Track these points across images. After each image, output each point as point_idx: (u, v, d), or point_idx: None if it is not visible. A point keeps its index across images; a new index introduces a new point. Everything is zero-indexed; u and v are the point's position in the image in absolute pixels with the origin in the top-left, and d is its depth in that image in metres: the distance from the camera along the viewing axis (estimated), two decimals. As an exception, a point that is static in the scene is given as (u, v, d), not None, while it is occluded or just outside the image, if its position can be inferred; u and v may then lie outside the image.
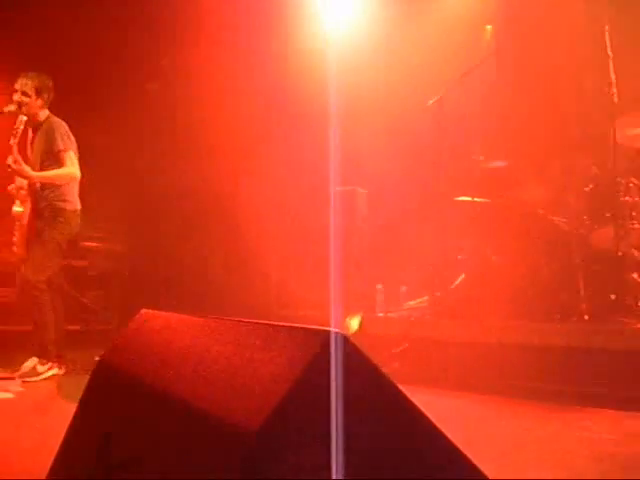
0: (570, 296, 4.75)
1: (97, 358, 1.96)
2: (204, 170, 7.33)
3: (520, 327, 4.59)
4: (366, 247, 6.32)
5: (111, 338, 1.98)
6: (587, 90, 5.31)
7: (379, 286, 5.81)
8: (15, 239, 5.14)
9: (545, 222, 5.12)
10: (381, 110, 6.60)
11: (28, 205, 5.11)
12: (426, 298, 5.65)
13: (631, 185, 4.89)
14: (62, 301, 5.19)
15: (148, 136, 7.65)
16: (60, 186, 5.11)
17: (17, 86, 5.11)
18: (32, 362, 4.90)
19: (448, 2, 6.69)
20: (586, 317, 4.60)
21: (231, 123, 7.20)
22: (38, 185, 5.10)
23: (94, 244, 7.46)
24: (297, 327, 1.16)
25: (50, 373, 4.92)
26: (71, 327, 5.48)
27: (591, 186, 5.06)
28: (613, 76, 4.74)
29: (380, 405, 1.12)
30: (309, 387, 1.03)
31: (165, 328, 1.69)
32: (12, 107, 5.05)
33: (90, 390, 1.87)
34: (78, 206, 5.23)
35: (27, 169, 4.96)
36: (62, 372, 4.99)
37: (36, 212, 5.10)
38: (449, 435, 1.22)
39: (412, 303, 5.84)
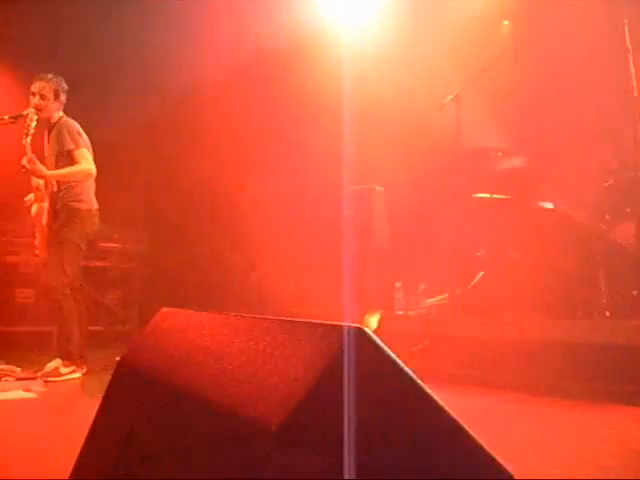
0: (591, 292, 4.71)
1: (118, 358, 1.97)
2: (223, 170, 7.35)
3: (540, 324, 4.57)
4: (385, 245, 6.31)
5: (132, 338, 1.98)
6: (606, 84, 5.26)
7: (398, 284, 5.80)
8: (37, 242, 5.16)
9: (565, 218, 5.09)
10: (398, 107, 6.58)
11: (46, 205, 5.13)
12: (445, 295, 5.62)
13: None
14: (84, 302, 5.21)
15: (168, 136, 7.68)
16: (75, 186, 5.11)
17: (34, 89, 5.12)
18: (55, 363, 4.93)
19: (465, -2, 6.65)
20: (607, 313, 4.56)
21: (249, 123, 7.22)
22: (55, 186, 5.12)
23: (114, 245, 7.51)
24: (318, 323, 1.16)
25: (73, 375, 4.96)
26: (92, 327, 5.51)
27: (611, 181, 5.01)
28: (633, 69, 4.69)
29: (402, 401, 1.11)
30: (331, 383, 1.03)
31: (185, 326, 1.70)
32: (31, 110, 5.07)
33: (112, 389, 1.88)
34: (94, 205, 5.22)
35: (42, 168, 4.98)
36: (84, 372, 5.02)
37: (53, 213, 5.12)
38: (471, 432, 1.21)
39: (431, 301, 5.82)
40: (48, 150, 5.19)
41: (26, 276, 6.86)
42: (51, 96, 5.13)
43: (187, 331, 1.66)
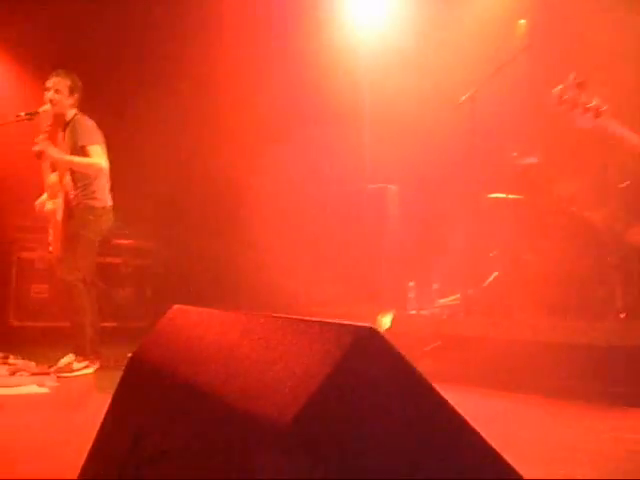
0: (606, 294, 4.68)
1: (130, 354, 1.98)
2: (237, 167, 7.37)
3: (554, 325, 4.54)
4: (398, 244, 6.30)
5: (144, 334, 1.99)
6: (623, 83, 5.22)
7: (411, 283, 5.79)
8: (51, 238, 5.19)
9: (580, 219, 5.06)
10: (413, 106, 6.56)
11: (60, 202, 5.15)
12: (458, 296, 5.61)
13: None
14: (97, 298, 5.24)
15: (180, 133, 7.70)
16: (90, 184, 5.14)
17: (49, 84, 5.15)
18: (69, 358, 4.97)
19: (481, -4, 6.63)
20: (622, 315, 4.53)
21: (265, 121, 7.23)
22: (69, 184, 5.14)
23: (127, 241, 7.55)
24: (329, 322, 1.15)
25: (86, 371, 4.99)
26: (105, 324, 5.55)
27: (627, 182, 4.97)
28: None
29: (412, 402, 1.10)
30: (342, 381, 1.03)
31: (196, 323, 1.70)
32: (47, 107, 5.11)
33: (122, 385, 1.88)
34: (109, 203, 5.26)
35: (55, 150, 5.01)
36: (96, 367, 5.05)
37: (68, 211, 5.15)
38: (481, 433, 1.21)
39: (444, 301, 5.80)
40: (62, 146, 5.21)
41: (41, 272, 6.91)
42: (66, 91, 5.17)
43: (198, 328, 1.66)
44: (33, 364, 4.56)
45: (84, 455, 1.94)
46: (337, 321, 1.15)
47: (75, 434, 2.96)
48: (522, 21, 6.54)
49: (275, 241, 7.09)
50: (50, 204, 5.15)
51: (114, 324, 6.88)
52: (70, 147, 5.12)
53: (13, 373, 4.35)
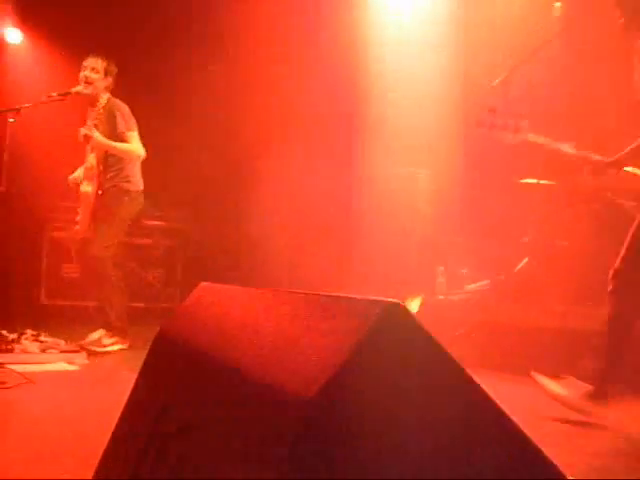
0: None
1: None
2: (270, 149, 7.36)
3: (584, 312, 4.48)
4: (428, 229, 6.25)
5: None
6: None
7: (440, 268, 5.75)
8: (78, 218, 5.25)
9: (613, 205, 4.96)
10: (444, 89, 6.49)
11: (95, 185, 5.20)
12: (488, 281, 5.56)
13: None
14: (124, 277, 5.30)
15: (211, 115, 7.71)
16: (124, 168, 5.22)
17: (86, 63, 5.19)
18: (99, 333, 5.06)
19: (516, -22, 6.50)
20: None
21: (291, 105, 7.20)
22: (104, 167, 5.18)
23: (157, 223, 7.59)
24: (355, 298, 1.14)
25: (115, 347, 5.05)
26: (135, 304, 5.60)
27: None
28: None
29: (441, 381, 1.09)
30: (367, 357, 1.01)
31: (223, 300, 1.69)
32: (79, 87, 5.14)
33: (149, 361, 1.89)
34: (141, 186, 5.34)
35: (100, 135, 5.06)
36: (126, 347, 5.11)
37: (102, 192, 5.20)
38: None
39: (473, 286, 5.75)
40: (98, 128, 5.23)
41: (72, 251, 6.98)
42: (102, 72, 5.20)
43: (225, 305, 1.66)
44: (63, 342, 4.62)
45: (110, 430, 1.96)
46: (363, 297, 1.14)
47: (103, 410, 2.98)
48: (557, 4, 6.41)
49: (305, 223, 7.08)
50: (85, 185, 5.20)
51: (144, 304, 6.95)
52: (107, 131, 5.14)
53: (44, 350, 4.41)
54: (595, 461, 2.59)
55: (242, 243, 7.51)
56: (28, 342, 4.47)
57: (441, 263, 5.82)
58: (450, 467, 1.07)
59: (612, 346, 3.43)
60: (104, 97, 5.23)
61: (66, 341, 4.67)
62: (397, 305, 1.03)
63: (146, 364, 1.92)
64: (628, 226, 4.47)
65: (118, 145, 5.14)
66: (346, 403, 0.99)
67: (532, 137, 3.85)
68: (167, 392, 1.63)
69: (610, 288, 3.53)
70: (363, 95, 6.82)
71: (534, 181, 5.31)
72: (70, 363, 4.34)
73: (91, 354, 4.71)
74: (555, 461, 1.17)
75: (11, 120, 4.84)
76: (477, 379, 1.13)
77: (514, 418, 1.16)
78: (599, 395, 3.33)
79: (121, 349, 5.08)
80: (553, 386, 3.40)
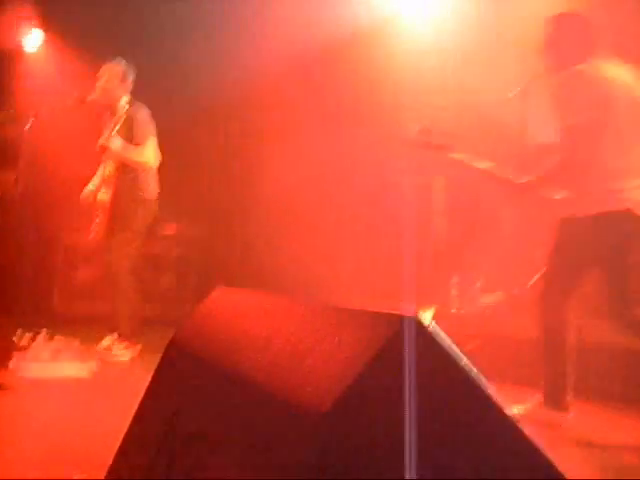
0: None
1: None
2: (281, 156, 7.35)
3: (601, 326, 4.42)
4: (442, 239, 6.20)
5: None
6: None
7: (454, 280, 5.70)
8: (94, 225, 5.27)
9: (632, 217, 4.91)
10: (462, 99, 6.46)
11: (111, 192, 5.22)
12: (503, 294, 5.50)
13: None
14: (138, 285, 5.30)
15: (225, 123, 7.72)
16: (140, 175, 5.23)
17: (101, 72, 5.21)
18: (110, 340, 5.06)
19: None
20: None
21: (311, 111, 7.19)
22: (120, 175, 5.20)
23: (171, 230, 7.60)
24: (370, 311, 1.12)
25: (126, 355, 5.05)
26: (148, 311, 5.59)
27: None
28: None
29: (457, 397, 1.06)
30: (380, 372, 0.99)
31: (236, 307, 1.68)
32: (95, 95, 5.16)
33: (161, 368, 1.88)
34: (156, 194, 5.35)
35: (118, 145, 5.07)
36: (136, 353, 5.10)
37: (118, 200, 5.22)
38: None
39: (488, 299, 5.70)
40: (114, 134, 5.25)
41: (86, 256, 7.00)
42: (117, 80, 5.21)
43: (238, 313, 1.64)
44: (77, 342, 4.63)
45: (120, 436, 1.95)
46: (379, 310, 1.12)
47: (114, 415, 2.97)
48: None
49: (318, 232, 7.05)
50: (102, 193, 5.22)
51: (157, 311, 6.94)
52: (125, 136, 5.15)
53: (56, 354, 4.41)
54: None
55: (255, 251, 7.50)
56: (41, 344, 4.48)
57: (455, 275, 5.77)
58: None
59: (551, 359, 3.55)
60: (123, 101, 5.22)
61: (79, 346, 4.67)
62: (412, 318, 1.02)
63: (159, 370, 1.91)
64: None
65: (134, 156, 5.14)
66: (361, 417, 0.97)
67: (454, 155, 3.89)
68: (179, 398, 1.61)
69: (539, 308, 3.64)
70: (378, 101, 6.80)
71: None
72: (81, 369, 4.33)
73: (102, 360, 4.71)
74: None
75: (28, 126, 4.86)
76: (492, 392, 1.11)
77: (532, 436, 1.14)
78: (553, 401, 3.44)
79: (132, 356, 5.08)
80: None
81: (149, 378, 1.94)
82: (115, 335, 5.08)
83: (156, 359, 1.95)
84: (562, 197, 3.67)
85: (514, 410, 3.37)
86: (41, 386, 3.60)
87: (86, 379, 4.19)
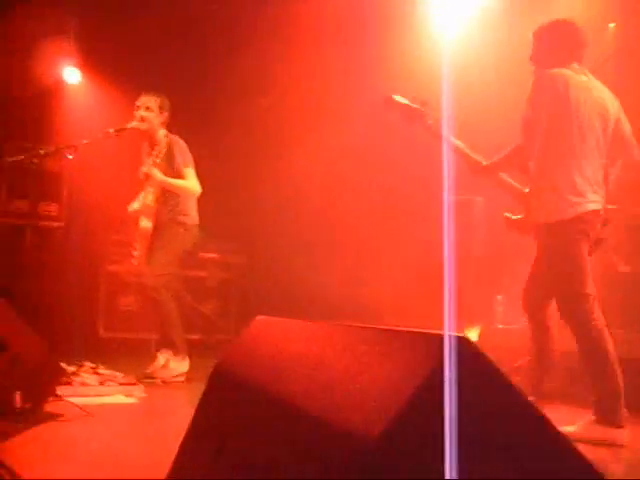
0: None
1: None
2: (323, 180, 7.36)
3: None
4: (485, 257, 6.14)
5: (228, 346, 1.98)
6: None
7: (499, 297, 5.62)
8: (135, 252, 5.32)
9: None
10: (496, 114, 6.39)
11: (152, 221, 5.27)
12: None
13: None
14: (179, 309, 5.33)
15: (264, 146, 7.77)
16: (181, 202, 5.29)
17: (139, 102, 5.30)
18: (164, 358, 5.10)
19: (567, -2, 6.39)
20: None
21: (339, 134, 7.18)
22: (162, 202, 5.26)
23: (212, 255, 7.65)
24: (417, 332, 1.10)
25: (182, 367, 5.09)
26: (190, 336, 5.61)
27: None
28: None
29: (507, 416, 1.04)
30: (430, 395, 0.97)
31: (279, 334, 1.67)
32: (135, 123, 5.24)
33: (206, 395, 1.88)
34: (197, 221, 5.40)
35: (160, 173, 5.13)
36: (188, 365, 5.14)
37: (159, 226, 5.27)
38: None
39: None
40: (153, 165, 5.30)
41: (129, 285, 7.07)
42: (156, 109, 5.29)
43: (282, 339, 1.63)
44: (120, 374, 4.65)
45: (168, 464, 1.94)
46: (425, 331, 1.10)
47: (160, 444, 2.98)
48: (611, 25, 6.29)
49: (360, 255, 7.04)
50: (143, 221, 5.27)
51: (199, 337, 6.97)
52: (165, 167, 5.21)
53: (102, 383, 4.44)
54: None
55: (297, 277, 7.49)
56: (87, 375, 4.52)
57: (499, 292, 5.69)
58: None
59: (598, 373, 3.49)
60: (161, 133, 5.30)
61: (124, 374, 4.70)
62: (462, 339, 0.99)
63: (204, 399, 1.91)
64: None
65: (176, 182, 5.21)
66: (411, 443, 0.95)
67: (429, 122, 4.15)
68: (224, 429, 1.60)
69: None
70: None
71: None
72: (128, 396, 4.36)
73: (149, 385, 4.72)
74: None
75: (69, 157, 4.96)
76: (543, 412, 1.08)
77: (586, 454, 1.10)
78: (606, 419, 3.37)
79: (180, 380, 5.10)
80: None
81: (194, 404, 1.94)
82: (169, 352, 5.11)
83: (200, 385, 1.95)
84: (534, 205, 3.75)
85: (567, 429, 3.29)
86: (89, 412, 3.61)
87: (134, 405, 4.21)
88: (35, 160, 5.06)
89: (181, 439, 1.94)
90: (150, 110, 5.28)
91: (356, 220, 7.24)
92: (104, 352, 6.26)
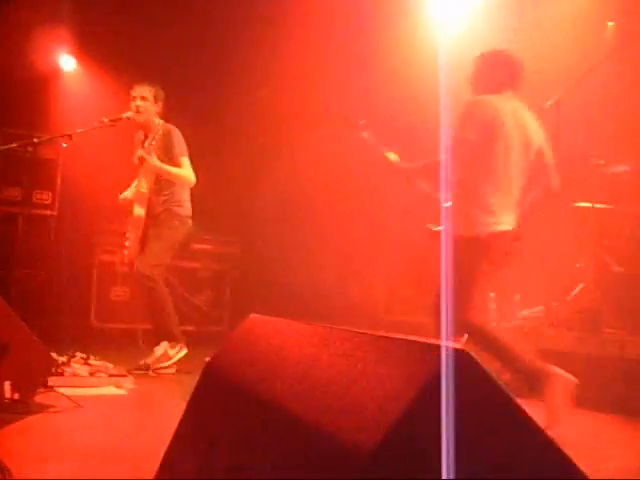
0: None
1: (207, 358, 1.96)
2: (318, 175, 7.34)
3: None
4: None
5: (222, 339, 1.97)
6: None
7: (492, 294, 5.62)
8: (128, 242, 5.29)
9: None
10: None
11: (145, 209, 5.24)
12: (541, 308, 5.41)
13: None
14: (173, 300, 5.31)
15: (261, 140, 7.74)
16: (177, 192, 5.27)
17: (135, 92, 5.27)
18: (163, 347, 5.08)
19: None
20: None
21: (335, 131, 7.16)
22: (156, 191, 5.23)
23: (206, 246, 7.62)
24: (415, 341, 1.08)
25: (181, 354, 5.09)
26: (183, 328, 5.59)
27: None
28: None
29: (504, 429, 1.02)
30: (427, 407, 0.95)
31: (273, 334, 1.65)
32: (130, 113, 5.21)
33: (198, 392, 1.86)
34: (190, 212, 5.38)
35: (156, 159, 5.10)
36: (186, 351, 5.12)
37: (152, 215, 5.24)
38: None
39: (526, 313, 5.61)
40: (148, 153, 5.27)
41: (122, 275, 7.04)
42: (151, 99, 5.27)
43: (275, 340, 1.61)
44: (111, 366, 4.62)
45: (159, 457, 1.93)
46: (423, 340, 1.08)
47: (150, 437, 2.97)
48: (610, 23, 6.28)
49: (357, 251, 7.03)
50: (136, 209, 5.24)
51: (192, 328, 6.94)
52: (161, 154, 5.19)
53: (92, 374, 4.42)
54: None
55: (291, 268, 7.48)
56: (77, 365, 4.49)
57: (493, 289, 5.69)
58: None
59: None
60: (156, 122, 5.28)
61: (115, 365, 4.68)
62: (460, 351, 0.98)
63: (195, 396, 1.89)
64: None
65: (172, 170, 5.18)
66: (406, 454, 0.93)
67: (363, 134, 4.28)
68: (214, 428, 1.59)
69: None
70: (418, 118, 6.75)
71: (589, 205, 5.17)
72: (118, 387, 4.34)
73: (139, 377, 4.71)
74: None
75: (64, 145, 4.92)
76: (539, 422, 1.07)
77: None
78: None
79: (171, 372, 5.09)
80: None
81: (185, 397, 1.92)
82: (166, 343, 5.09)
83: (191, 378, 1.93)
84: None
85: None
86: (79, 403, 3.60)
87: (124, 396, 4.20)
88: (29, 148, 5.03)
89: (171, 433, 1.93)
90: (145, 100, 5.26)
91: (350, 213, 7.23)
92: (96, 342, 6.23)
